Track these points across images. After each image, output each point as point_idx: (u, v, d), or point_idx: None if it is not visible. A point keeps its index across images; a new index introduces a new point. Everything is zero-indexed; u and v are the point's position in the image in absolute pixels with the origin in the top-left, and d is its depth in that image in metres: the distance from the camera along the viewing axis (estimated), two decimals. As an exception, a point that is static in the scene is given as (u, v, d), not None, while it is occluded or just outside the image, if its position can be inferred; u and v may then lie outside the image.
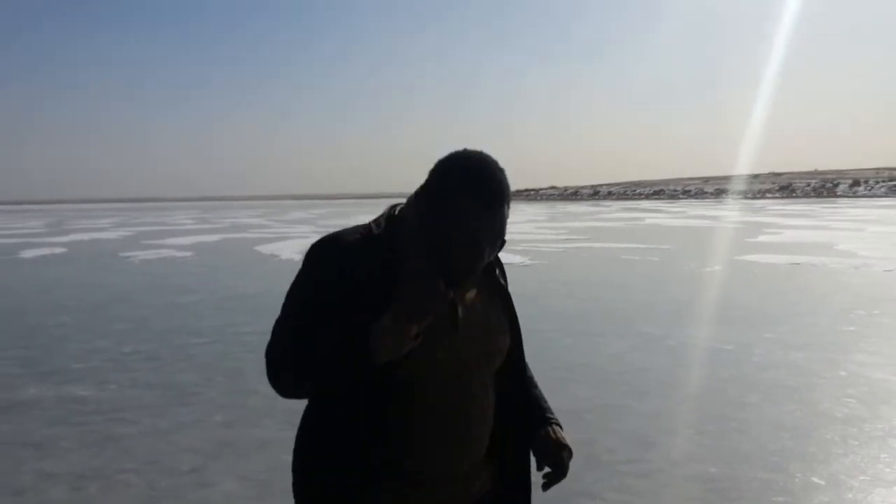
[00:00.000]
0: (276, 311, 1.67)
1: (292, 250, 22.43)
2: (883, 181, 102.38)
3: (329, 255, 1.67)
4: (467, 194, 1.57)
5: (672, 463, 4.80)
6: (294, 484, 1.77)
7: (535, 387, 2.00)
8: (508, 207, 1.64)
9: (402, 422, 1.66)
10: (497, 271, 1.85)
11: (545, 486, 1.89)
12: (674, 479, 4.55)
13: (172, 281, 15.69)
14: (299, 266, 1.71)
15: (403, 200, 1.76)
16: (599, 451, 4.98)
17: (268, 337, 1.66)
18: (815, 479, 4.50)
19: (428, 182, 1.65)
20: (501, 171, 1.64)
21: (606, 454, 4.94)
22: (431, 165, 1.65)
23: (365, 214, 1.89)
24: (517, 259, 18.41)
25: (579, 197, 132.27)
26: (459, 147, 1.67)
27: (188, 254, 23.17)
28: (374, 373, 1.56)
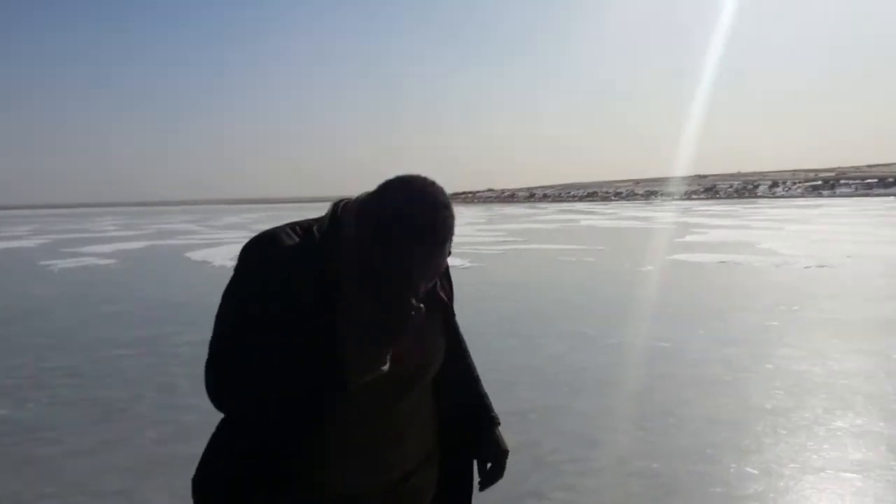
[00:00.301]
0: (209, 321, 1.59)
1: (224, 256, 22.05)
2: (799, 182, 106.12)
3: (262, 257, 1.59)
4: (409, 232, 1.50)
5: (615, 460, 4.90)
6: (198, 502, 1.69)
7: (477, 382, 2.01)
8: (450, 242, 1.59)
9: (329, 440, 1.61)
10: (438, 285, 1.82)
11: (482, 486, 1.92)
12: (617, 477, 4.64)
13: (96, 290, 15.23)
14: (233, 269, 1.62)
15: (351, 196, 1.68)
16: (544, 452, 5.05)
17: (201, 348, 1.60)
18: (749, 469, 4.65)
19: (370, 205, 1.56)
20: (446, 205, 1.56)
21: (551, 454, 5.01)
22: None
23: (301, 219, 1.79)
24: (457, 262, 18.48)
25: (516, 199, 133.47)
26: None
27: (112, 261, 22.55)
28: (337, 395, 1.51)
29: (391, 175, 1.61)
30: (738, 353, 7.89)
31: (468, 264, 18.42)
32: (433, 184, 1.57)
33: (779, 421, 5.58)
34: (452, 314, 1.91)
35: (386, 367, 1.48)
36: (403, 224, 1.49)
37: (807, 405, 5.96)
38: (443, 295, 1.82)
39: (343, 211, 1.65)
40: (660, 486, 4.44)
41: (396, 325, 1.44)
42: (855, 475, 4.52)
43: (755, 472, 4.62)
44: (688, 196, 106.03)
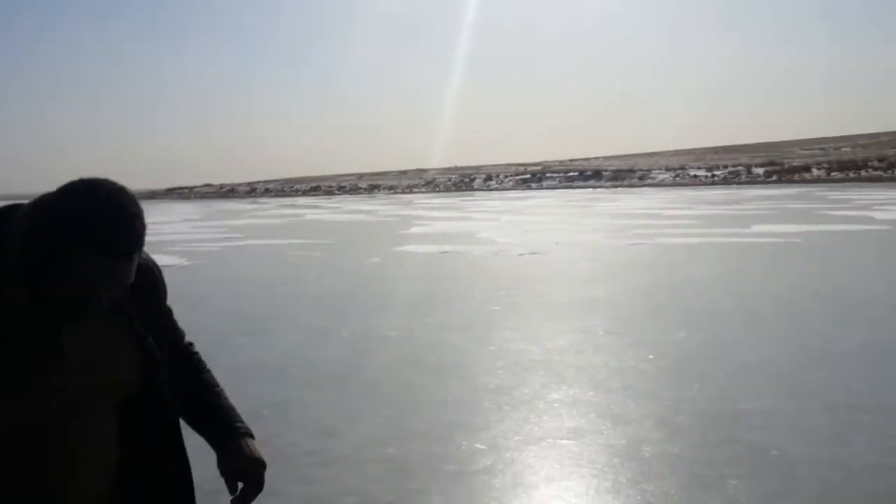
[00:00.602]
0: None
1: None
2: (511, 175, 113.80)
3: None
4: (92, 243, 1.36)
5: (353, 449, 4.94)
6: None
7: (219, 396, 1.84)
8: (140, 251, 1.45)
9: None
10: (134, 297, 1.61)
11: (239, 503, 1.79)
12: (356, 465, 4.68)
13: None
14: None
15: (25, 201, 1.48)
16: (280, 447, 4.95)
17: None
18: (478, 446, 4.90)
19: (48, 210, 1.39)
20: (137, 214, 1.41)
21: (288, 449, 4.93)
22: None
23: None
24: (174, 260, 17.57)
25: (236, 194, 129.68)
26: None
27: None
28: None
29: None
30: (464, 337, 8.30)
31: (186, 263, 17.63)
32: (122, 190, 1.41)
33: (503, 398, 5.93)
34: (173, 326, 1.79)
35: None
36: (87, 234, 1.35)
37: (527, 382, 6.40)
38: (130, 303, 1.62)
39: (10, 214, 1.46)
40: (396, 470, 4.54)
41: None
42: (571, 441, 4.93)
43: (484, 447, 4.88)
44: (409, 189, 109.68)
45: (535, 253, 17.47)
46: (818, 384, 6.08)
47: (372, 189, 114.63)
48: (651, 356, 7.19)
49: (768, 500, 3.97)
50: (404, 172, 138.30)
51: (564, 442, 4.93)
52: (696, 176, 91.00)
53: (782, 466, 4.43)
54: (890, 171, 74.01)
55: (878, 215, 26.27)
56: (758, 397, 5.77)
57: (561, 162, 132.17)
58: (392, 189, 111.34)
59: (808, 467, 4.40)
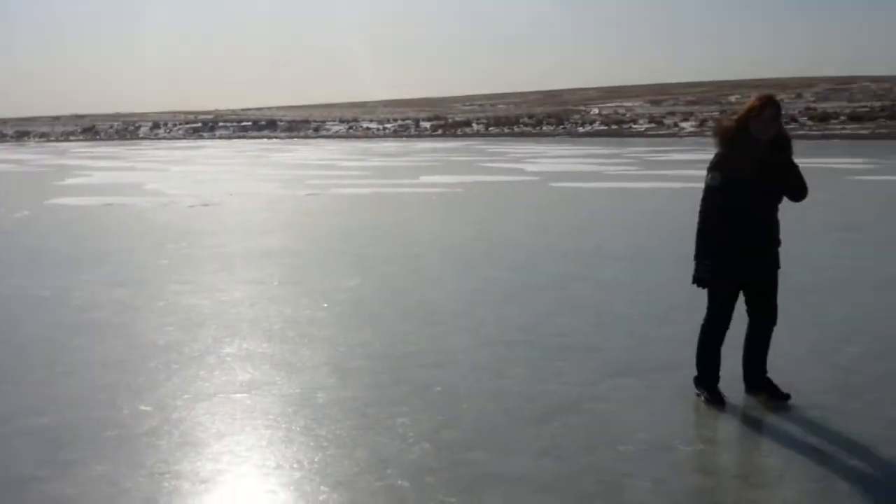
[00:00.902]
0: None
1: None
2: (180, 124, 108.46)
3: None
4: None
5: (-4, 422, 4.40)
6: None
7: None
8: None
9: None
10: None
11: None
12: (1, 438, 4.17)
13: None
14: None
15: None
16: None
17: None
18: (143, 407, 4.61)
19: None
20: None
21: None
22: None
23: None
24: None
25: None
26: None
27: None
28: None
29: None
30: (129, 293, 7.75)
31: None
32: None
33: (171, 356, 5.64)
34: None
35: None
36: None
37: (198, 337, 6.14)
38: None
39: None
40: (49, 442, 4.12)
41: None
42: (244, 395, 4.82)
43: (149, 408, 4.60)
44: (65, 137, 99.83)
45: (208, 204, 16.86)
46: (478, 323, 6.54)
47: (20, 136, 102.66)
48: (326, 304, 7.26)
49: (432, 433, 4.20)
50: (58, 118, 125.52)
51: (237, 396, 4.81)
52: (368, 128, 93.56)
53: (445, 401, 4.71)
54: (538, 128, 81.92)
55: (528, 167, 29.02)
56: (424, 338, 6.08)
57: (234, 111, 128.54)
58: (44, 136, 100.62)
59: (469, 400, 4.72)
